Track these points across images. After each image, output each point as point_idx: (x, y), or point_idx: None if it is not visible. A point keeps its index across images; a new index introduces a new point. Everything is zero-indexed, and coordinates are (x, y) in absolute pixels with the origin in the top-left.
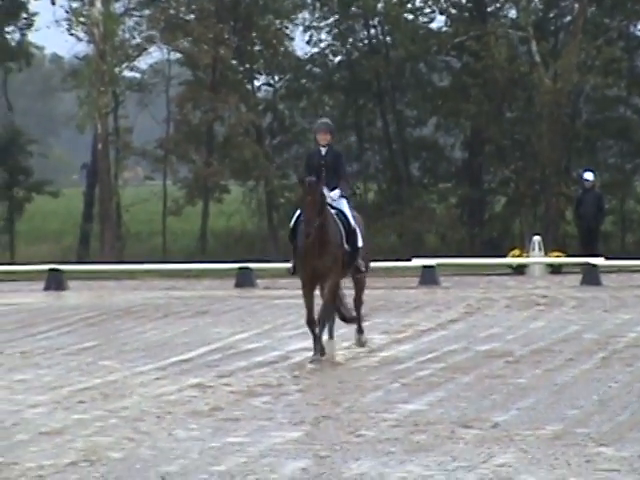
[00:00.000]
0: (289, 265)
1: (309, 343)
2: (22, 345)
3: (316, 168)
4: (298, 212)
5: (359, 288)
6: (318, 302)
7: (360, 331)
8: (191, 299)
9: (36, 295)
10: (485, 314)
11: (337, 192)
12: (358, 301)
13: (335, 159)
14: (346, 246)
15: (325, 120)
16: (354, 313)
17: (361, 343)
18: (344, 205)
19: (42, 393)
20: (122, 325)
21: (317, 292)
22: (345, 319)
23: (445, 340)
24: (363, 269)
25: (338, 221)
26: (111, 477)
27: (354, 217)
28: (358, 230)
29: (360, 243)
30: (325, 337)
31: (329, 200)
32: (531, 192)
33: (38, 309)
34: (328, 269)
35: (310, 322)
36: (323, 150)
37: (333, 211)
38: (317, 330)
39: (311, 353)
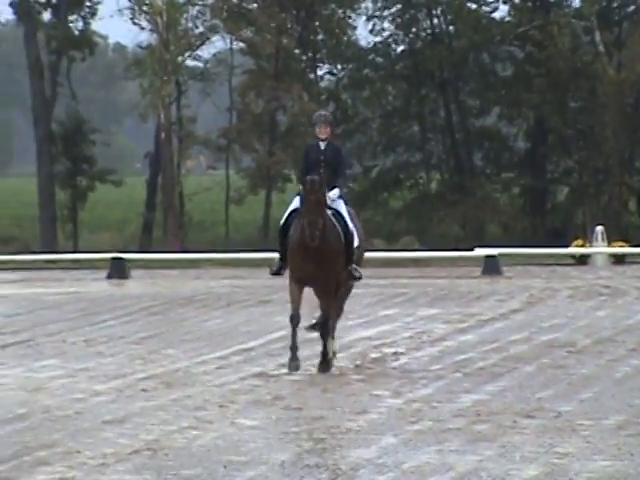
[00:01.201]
0: (275, 263)
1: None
2: (85, 333)
3: (315, 164)
4: (291, 208)
5: (343, 294)
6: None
7: (332, 337)
8: (254, 288)
9: (99, 283)
10: (547, 304)
11: (336, 192)
12: (339, 308)
13: (335, 154)
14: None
15: (324, 112)
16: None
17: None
18: (341, 206)
19: (105, 382)
20: (185, 314)
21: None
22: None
23: (507, 330)
24: (357, 275)
25: (337, 224)
26: (174, 466)
27: (349, 213)
28: (355, 232)
29: (356, 243)
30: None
31: (328, 201)
32: (594, 182)
33: (101, 297)
34: (325, 277)
35: (294, 318)
36: (322, 144)
37: (329, 212)
38: (314, 332)
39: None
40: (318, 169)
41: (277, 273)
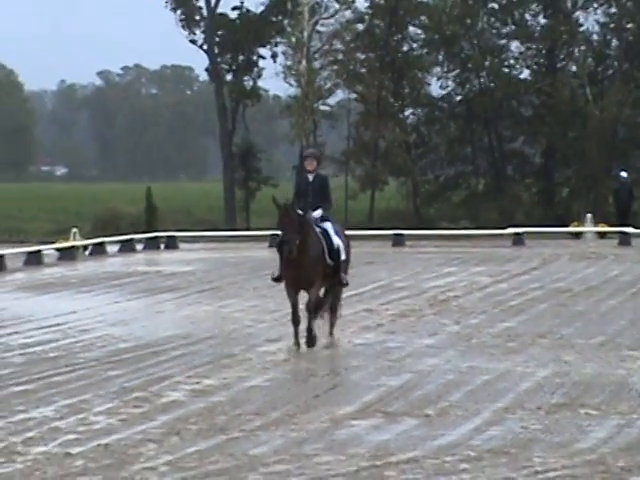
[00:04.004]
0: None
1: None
2: (254, 283)
3: (304, 192)
4: None
5: (337, 301)
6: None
7: (330, 334)
8: (361, 255)
9: (262, 251)
10: (554, 264)
11: (319, 212)
12: (335, 304)
13: (321, 184)
14: (329, 260)
15: (313, 150)
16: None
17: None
18: (328, 225)
19: (267, 314)
20: None
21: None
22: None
23: (529, 281)
24: (345, 282)
25: (322, 238)
26: (314, 369)
27: (337, 232)
28: (342, 246)
29: (343, 256)
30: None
31: (313, 220)
32: (586, 185)
33: (263, 260)
34: (309, 279)
35: (294, 319)
36: (310, 177)
37: (318, 229)
38: (309, 319)
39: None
40: (306, 197)
41: (277, 280)
